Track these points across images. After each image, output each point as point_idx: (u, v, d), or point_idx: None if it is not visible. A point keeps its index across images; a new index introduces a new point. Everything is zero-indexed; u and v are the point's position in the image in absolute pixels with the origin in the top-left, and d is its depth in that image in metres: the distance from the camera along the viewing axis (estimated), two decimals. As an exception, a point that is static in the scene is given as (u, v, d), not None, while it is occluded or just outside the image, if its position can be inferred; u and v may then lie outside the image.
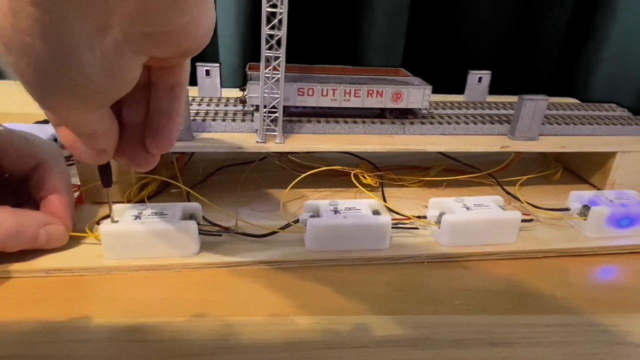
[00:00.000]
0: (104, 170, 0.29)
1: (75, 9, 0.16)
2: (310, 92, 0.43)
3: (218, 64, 0.51)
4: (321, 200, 0.37)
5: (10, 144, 0.33)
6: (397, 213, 0.39)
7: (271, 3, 0.35)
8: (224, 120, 0.43)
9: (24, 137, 0.34)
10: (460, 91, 0.59)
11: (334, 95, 0.44)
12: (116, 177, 0.37)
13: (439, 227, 0.37)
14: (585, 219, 0.39)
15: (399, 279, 0.34)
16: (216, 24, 0.73)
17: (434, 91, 0.45)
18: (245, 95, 0.45)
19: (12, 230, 0.30)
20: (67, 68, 0.18)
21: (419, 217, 0.38)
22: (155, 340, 0.27)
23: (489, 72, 0.58)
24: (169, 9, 0.18)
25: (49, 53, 0.17)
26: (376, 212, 0.36)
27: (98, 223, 0.34)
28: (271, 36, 0.36)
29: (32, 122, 0.54)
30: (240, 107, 0.48)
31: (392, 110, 0.46)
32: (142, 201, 0.40)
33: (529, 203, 0.41)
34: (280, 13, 0.35)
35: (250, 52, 0.71)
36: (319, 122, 0.44)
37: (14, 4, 0.16)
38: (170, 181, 0.40)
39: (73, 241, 0.34)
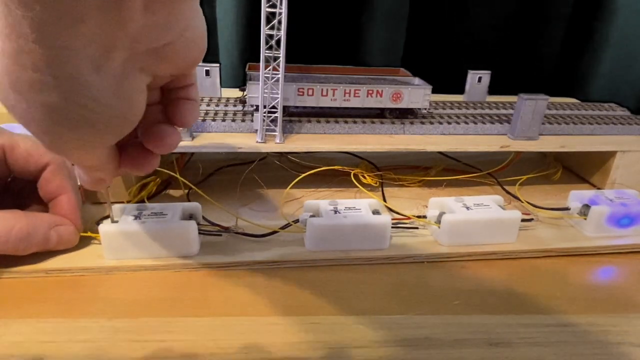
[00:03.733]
0: None
1: (79, 39, 0.16)
2: (310, 92, 0.43)
3: (218, 64, 0.51)
4: (321, 200, 0.37)
5: (19, 146, 0.33)
6: (397, 213, 0.39)
7: (271, 3, 0.35)
8: (223, 120, 0.43)
9: (31, 139, 0.34)
10: (460, 91, 0.59)
11: (333, 95, 0.44)
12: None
13: (439, 227, 0.36)
14: (585, 219, 0.39)
15: (399, 279, 0.34)
16: (216, 24, 0.73)
17: (434, 91, 0.45)
18: (245, 95, 0.45)
19: (24, 233, 0.30)
20: (76, 96, 0.17)
21: (419, 217, 0.38)
22: (155, 340, 0.27)
23: (489, 72, 0.57)
24: (167, 22, 0.18)
25: (57, 84, 0.17)
26: (376, 212, 0.36)
27: (98, 223, 0.34)
28: (271, 36, 0.36)
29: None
30: (240, 107, 0.48)
31: (392, 110, 0.46)
32: (142, 201, 0.40)
33: (529, 203, 0.41)
34: (280, 13, 0.35)
35: (250, 52, 0.70)
36: (318, 122, 0.44)
37: (16, 45, 0.16)
38: (174, 174, 0.40)
39: (73, 241, 0.34)
